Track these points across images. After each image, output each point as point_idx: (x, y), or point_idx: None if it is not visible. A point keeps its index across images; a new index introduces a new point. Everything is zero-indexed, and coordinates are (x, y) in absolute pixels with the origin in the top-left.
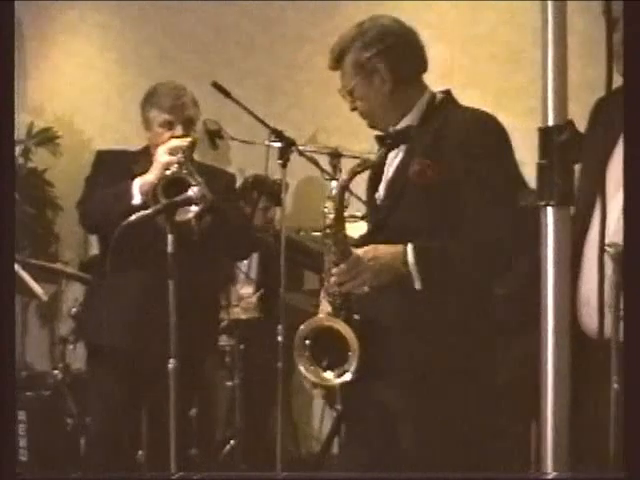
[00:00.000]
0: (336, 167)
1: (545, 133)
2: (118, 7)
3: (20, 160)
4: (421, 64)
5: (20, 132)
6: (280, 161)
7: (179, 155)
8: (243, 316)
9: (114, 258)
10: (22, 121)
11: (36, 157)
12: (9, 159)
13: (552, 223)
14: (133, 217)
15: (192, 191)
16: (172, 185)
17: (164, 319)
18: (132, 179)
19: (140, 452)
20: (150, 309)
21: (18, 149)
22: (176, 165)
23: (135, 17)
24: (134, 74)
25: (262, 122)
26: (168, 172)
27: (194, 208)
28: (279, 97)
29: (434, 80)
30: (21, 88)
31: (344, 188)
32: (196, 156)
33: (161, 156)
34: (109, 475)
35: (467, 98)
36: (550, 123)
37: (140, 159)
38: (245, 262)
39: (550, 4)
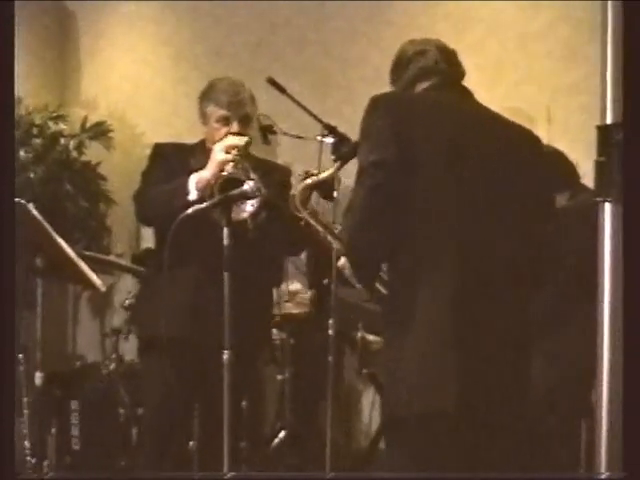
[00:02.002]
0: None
1: (604, 131)
2: (172, 2)
3: (74, 154)
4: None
5: (74, 126)
6: (333, 156)
7: (234, 153)
8: (295, 311)
9: (172, 251)
10: (76, 115)
11: (89, 151)
12: (9, 159)
13: (610, 219)
14: (190, 210)
15: (247, 185)
16: (228, 182)
17: (219, 312)
18: (189, 174)
19: (191, 443)
20: (205, 302)
21: (72, 143)
22: (231, 164)
23: (189, 12)
24: (187, 69)
25: (316, 117)
26: (224, 173)
27: (249, 208)
28: (332, 93)
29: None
30: (76, 82)
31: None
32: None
33: (217, 154)
34: (120, 476)
35: (521, 95)
36: (608, 121)
37: (196, 153)
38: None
39: (610, 3)
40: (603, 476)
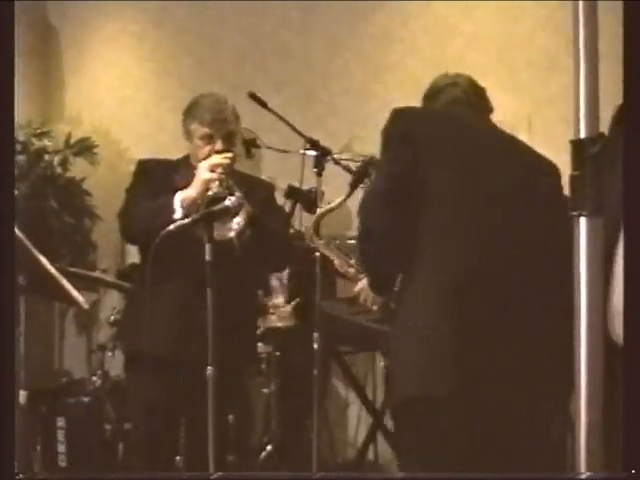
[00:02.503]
0: (371, 176)
1: (577, 145)
2: (156, 17)
3: (58, 169)
4: None
5: (58, 141)
6: (315, 169)
7: (219, 171)
8: (279, 324)
9: (154, 267)
10: (60, 131)
11: (74, 167)
12: (9, 161)
13: (585, 233)
14: (172, 226)
15: (229, 200)
16: (214, 201)
17: (202, 327)
18: (173, 190)
19: (178, 458)
20: (189, 317)
21: (56, 159)
22: (217, 182)
23: (172, 27)
24: (171, 84)
25: (297, 131)
26: (209, 192)
27: (235, 226)
28: (315, 105)
29: None
30: (59, 98)
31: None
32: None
33: (202, 172)
34: (121, 476)
35: (503, 105)
36: (582, 135)
37: (180, 168)
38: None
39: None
40: (603, 476)
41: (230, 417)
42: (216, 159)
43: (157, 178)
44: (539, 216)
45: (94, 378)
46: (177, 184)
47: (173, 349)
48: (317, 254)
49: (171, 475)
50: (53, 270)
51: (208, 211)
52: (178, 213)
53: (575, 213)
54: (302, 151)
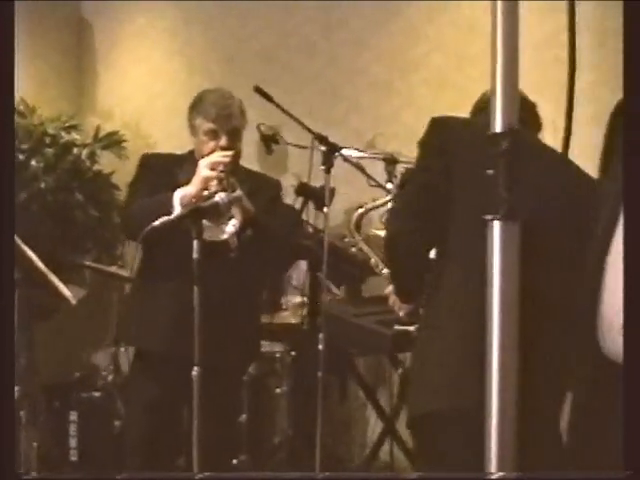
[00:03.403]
0: (391, 173)
1: (491, 140)
2: (186, 13)
3: (87, 163)
4: None
5: (88, 135)
6: (324, 166)
7: (219, 169)
8: (292, 320)
9: (147, 263)
10: (92, 125)
11: (102, 160)
12: (9, 160)
13: (499, 239)
14: (157, 222)
15: (219, 197)
16: (208, 199)
17: (201, 326)
18: (175, 186)
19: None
20: (186, 315)
21: (84, 152)
22: (215, 181)
23: (201, 22)
24: (200, 80)
25: (305, 127)
26: (205, 192)
27: (230, 228)
28: (339, 102)
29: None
30: (92, 92)
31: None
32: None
33: (202, 170)
34: (121, 476)
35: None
36: (497, 129)
37: (185, 164)
38: (299, 269)
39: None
40: (604, 476)
41: (243, 417)
42: (216, 157)
43: (159, 173)
44: (570, 234)
45: (105, 373)
46: (180, 180)
47: (170, 346)
48: (325, 251)
49: (161, 475)
50: (41, 265)
51: (195, 207)
52: (177, 210)
53: (489, 217)
54: (314, 147)
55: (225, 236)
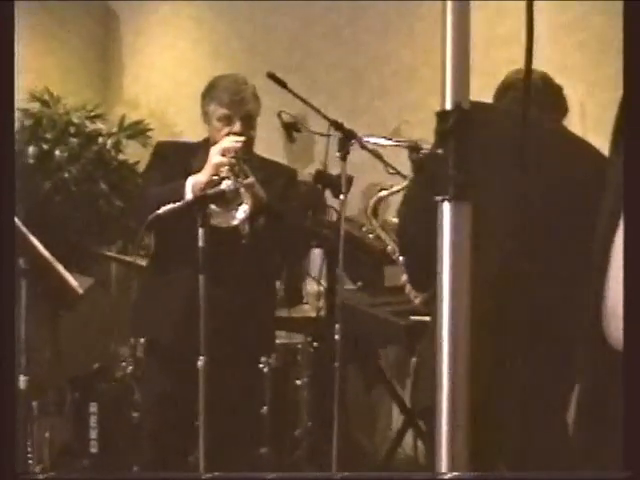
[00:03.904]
0: (415, 161)
1: (442, 117)
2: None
3: (111, 153)
4: None
5: (113, 125)
6: (339, 154)
7: (231, 156)
8: (312, 314)
9: (157, 250)
10: (118, 114)
11: (128, 150)
12: (9, 157)
13: (449, 221)
14: (161, 211)
15: (225, 184)
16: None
17: (215, 316)
18: (188, 174)
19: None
20: (197, 304)
21: (109, 142)
22: (226, 167)
23: (226, 10)
24: (225, 68)
25: (320, 113)
26: (215, 177)
27: (241, 214)
28: (364, 89)
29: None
30: (118, 82)
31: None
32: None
33: (213, 157)
34: (124, 475)
35: None
36: (448, 105)
37: (199, 152)
38: (317, 258)
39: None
40: (604, 476)
41: (264, 408)
42: (228, 142)
43: (173, 162)
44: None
45: (125, 364)
46: (193, 168)
47: (180, 337)
48: (341, 241)
49: (167, 475)
50: (47, 254)
51: (201, 195)
52: (189, 197)
53: (439, 198)
54: (362, 136)
55: (235, 222)
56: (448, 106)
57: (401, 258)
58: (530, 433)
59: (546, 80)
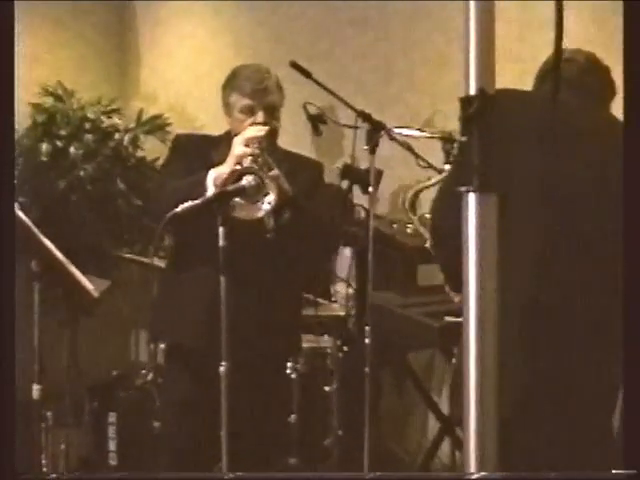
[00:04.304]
0: (449, 153)
1: (464, 104)
2: None
3: (129, 149)
4: None
5: (130, 120)
6: (367, 146)
7: (254, 146)
8: (341, 312)
9: (176, 250)
10: (134, 108)
11: (146, 146)
12: (9, 157)
13: (474, 213)
14: (179, 209)
15: (246, 180)
16: (240, 177)
17: (237, 319)
18: (209, 168)
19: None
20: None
21: (127, 138)
22: (250, 158)
23: None
24: (248, 57)
25: (347, 104)
26: (238, 166)
27: (266, 206)
28: (394, 77)
29: None
30: (135, 75)
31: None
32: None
33: (236, 147)
34: (122, 475)
35: None
36: (472, 91)
37: (220, 145)
38: (345, 258)
39: None
40: (605, 476)
41: (292, 417)
42: (251, 132)
43: (193, 155)
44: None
45: (145, 372)
46: (214, 161)
47: (203, 341)
48: (370, 239)
49: (191, 475)
50: (61, 256)
51: (221, 191)
52: (211, 191)
53: (463, 189)
54: (393, 128)
55: (260, 214)
56: (471, 90)
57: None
58: (572, 435)
59: (592, 61)
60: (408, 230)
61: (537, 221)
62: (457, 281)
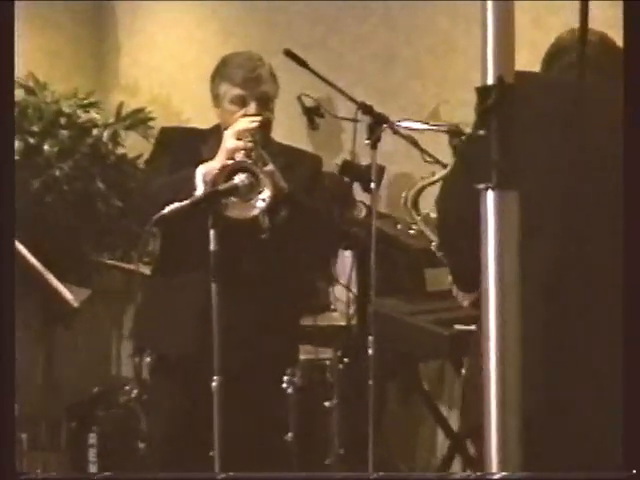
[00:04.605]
0: (457, 147)
1: (482, 94)
2: None
3: (108, 146)
4: None
5: (110, 114)
6: (368, 141)
7: (246, 140)
8: (342, 322)
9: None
10: (114, 101)
11: (127, 142)
12: (9, 159)
13: (493, 212)
14: (166, 210)
15: (238, 178)
16: (235, 173)
17: (229, 326)
18: (198, 164)
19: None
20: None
21: (106, 133)
22: (242, 152)
23: None
24: (237, 45)
25: (347, 95)
26: (230, 161)
27: (260, 204)
28: (396, 66)
29: None
30: (114, 65)
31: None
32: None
33: (227, 140)
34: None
35: None
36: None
37: (209, 139)
38: (346, 261)
39: None
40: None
41: (289, 435)
42: (243, 124)
43: (181, 150)
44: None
45: (127, 387)
46: (204, 157)
47: (194, 350)
48: (373, 239)
49: (183, 475)
50: (36, 263)
51: (212, 190)
52: (201, 189)
53: (481, 186)
54: (355, 118)
55: (255, 212)
56: (489, 81)
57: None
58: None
59: (605, 40)
60: (411, 231)
61: (557, 220)
62: (467, 281)
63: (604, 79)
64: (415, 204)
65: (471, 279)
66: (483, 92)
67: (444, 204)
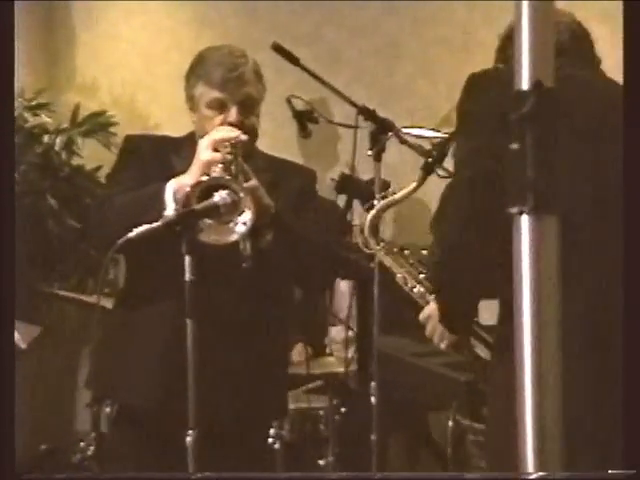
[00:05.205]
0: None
1: (514, 102)
2: None
3: (62, 155)
4: None
5: (63, 117)
6: (371, 152)
7: (225, 151)
8: (339, 369)
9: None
10: (68, 103)
11: (85, 151)
12: (9, 156)
13: (527, 240)
14: (133, 233)
15: (219, 196)
16: (208, 190)
17: (202, 371)
18: (167, 179)
19: None
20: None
21: (59, 141)
22: (220, 165)
23: None
24: (213, 38)
25: (345, 98)
26: (204, 177)
27: (240, 228)
28: (402, 63)
29: None
30: (68, 60)
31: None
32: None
33: (202, 152)
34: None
35: None
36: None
37: (182, 149)
38: (344, 293)
39: None
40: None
41: None
42: (221, 133)
43: (149, 161)
44: None
45: (83, 444)
46: (175, 169)
47: (162, 401)
48: (376, 268)
49: (159, 475)
50: None
51: (187, 210)
52: (171, 208)
53: (515, 210)
54: (355, 125)
55: (234, 238)
56: (524, 85)
57: (422, 289)
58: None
59: (578, 24)
60: (372, 265)
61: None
62: (459, 320)
63: (577, 66)
64: (374, 230)
65: (464, 319)
66: (517, 99)
67: (443, 229)
